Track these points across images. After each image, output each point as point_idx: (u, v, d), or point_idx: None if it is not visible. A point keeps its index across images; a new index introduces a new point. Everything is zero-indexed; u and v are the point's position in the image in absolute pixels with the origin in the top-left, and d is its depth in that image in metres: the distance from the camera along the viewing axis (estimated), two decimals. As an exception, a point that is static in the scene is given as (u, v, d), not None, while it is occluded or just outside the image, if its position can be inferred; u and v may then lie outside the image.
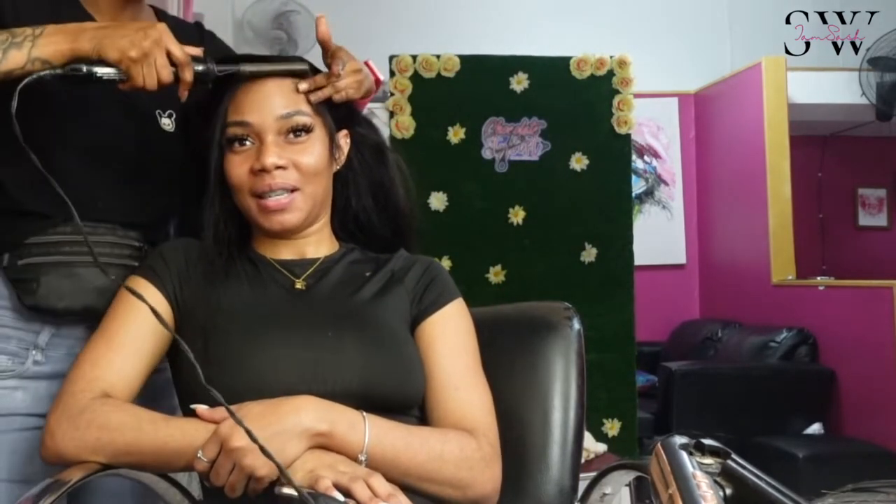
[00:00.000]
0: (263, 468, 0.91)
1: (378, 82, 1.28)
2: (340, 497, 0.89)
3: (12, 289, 1.18)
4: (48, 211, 1.16)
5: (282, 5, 4.38)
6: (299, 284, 1.14)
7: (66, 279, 1.17)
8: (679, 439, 0.69)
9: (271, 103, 1.13)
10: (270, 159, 1.10)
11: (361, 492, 0.90)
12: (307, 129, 1.14)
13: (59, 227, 1.18)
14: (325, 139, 1.17)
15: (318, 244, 1.20)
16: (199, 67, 1.11)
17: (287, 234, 1.16)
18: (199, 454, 0.94)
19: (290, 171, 1.12)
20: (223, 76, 1.13)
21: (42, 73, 1.04)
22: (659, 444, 0.70)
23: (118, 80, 1.06)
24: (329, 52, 1.20)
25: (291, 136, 1.13)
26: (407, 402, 1.09)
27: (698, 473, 0.64)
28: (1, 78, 1.05)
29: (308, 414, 0.95)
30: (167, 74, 1.07)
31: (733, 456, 0.68)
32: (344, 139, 1.22)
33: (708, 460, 0.67)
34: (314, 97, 1.15)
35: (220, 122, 1.14)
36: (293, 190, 1.12)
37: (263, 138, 1.12)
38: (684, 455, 0.67)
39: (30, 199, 1.16)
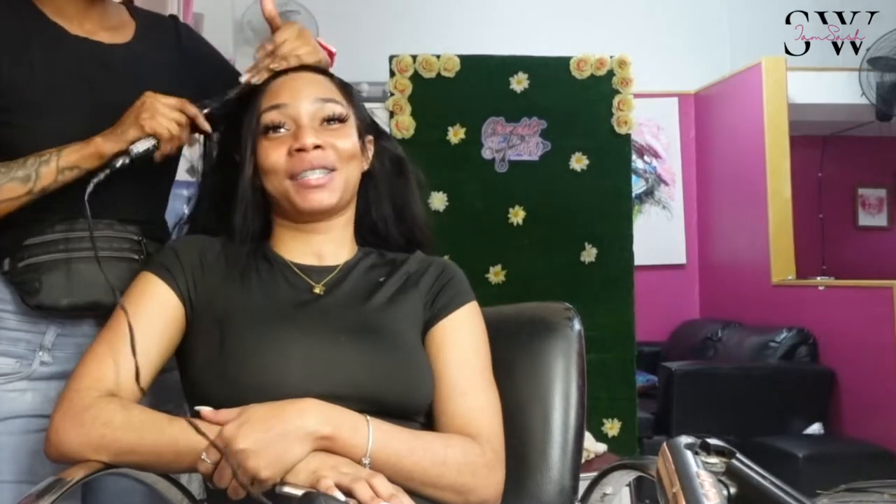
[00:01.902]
0: (266, 470, 0.91)
1: (331, 55, 1.31)
2: (342, 497, 0.89)
3: (15, 292, 1.19)
4: (44, 216, 1.18)
5: (282, 5, 4.38)
6: (318, 289, 1.14)
7: (66, 276, 1.18)
8: (685, 439, 0.70)
9: (307, 91, 1.15)
10: (310, 139, 1.11)
11: (363, 492, 0.90)
12: (341, 119, 1.16)
13: (57, 225, 1.19)
14: (356, 134, 1.18)
15: (339, 246, 1.19)
16: (209, 108, 1.21)
17: (319, 216, 1.16)
18: (203, 456, 0.94)
19: (328, 151, 1.12)
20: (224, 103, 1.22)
21: (105, 171, 1.14)
22: (665, 444, 0.70)
23: (153, 147, 1.15)
24: (274, 28, 1.24)
25: (326, 123, 1.14)
26: (414, 409, 1.09)
27: (702, 472, 0.64)
28: (39, 194, 1.14)
29: (311, 417, 0.95)
30: (173, 114, 1.16)
31: (738, 455, 0.68)
32: (370, 144, 1.23)
33: (713, 459, 0.67)
34: (258, 76, 1.18)
35: (255, 112, 1.15)
36: (332, 170, 1.13)
37: (300, 122, 1.13)
38: (689, 454, 0.67)
39: (28, 211, 1.17)
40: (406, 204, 1.26)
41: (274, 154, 1.12)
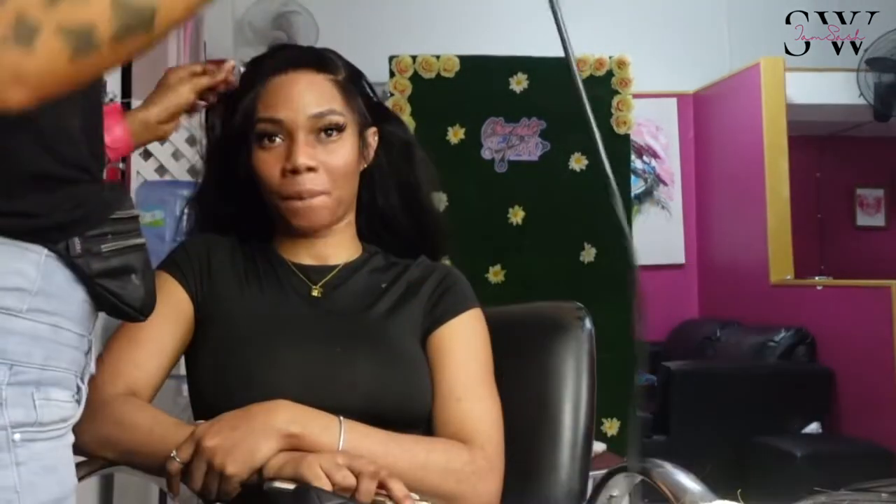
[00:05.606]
0: (231, 466, 0.90)
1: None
2: (329, 486, 0.89)
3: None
4: None
5: (282, 6, 4.38)
6: (315, 292, 1.13)
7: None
8: None
9: (303, 100, 1.08)
10: (301, 160, 1.06)
11: (364, 487, 0.90)
12: (339, 129, 1.10)
13: None
14: (355, 137, 1.13)
15: (340, 247, 1.16)
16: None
17: (314, 232, 1.14)
18: (173, 454, 0.93)
19: (320, 173, 1.08)
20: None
21: None
22: None
23: None
24: None
25: (323, 135, 1.09)
26: (411, 420, 1.07)
27: None
28: None
29: (280, 415, 0.95)
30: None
31: None
32: (373, 136, 1.18)
33: None
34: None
35: (251, 116, 1.10)
36: (322, 193, 1.09)
37: (294, 136, 1.08)
38: None
39: None
40: (414, 192, 1.21)
41: (268, 169, 1.09)
